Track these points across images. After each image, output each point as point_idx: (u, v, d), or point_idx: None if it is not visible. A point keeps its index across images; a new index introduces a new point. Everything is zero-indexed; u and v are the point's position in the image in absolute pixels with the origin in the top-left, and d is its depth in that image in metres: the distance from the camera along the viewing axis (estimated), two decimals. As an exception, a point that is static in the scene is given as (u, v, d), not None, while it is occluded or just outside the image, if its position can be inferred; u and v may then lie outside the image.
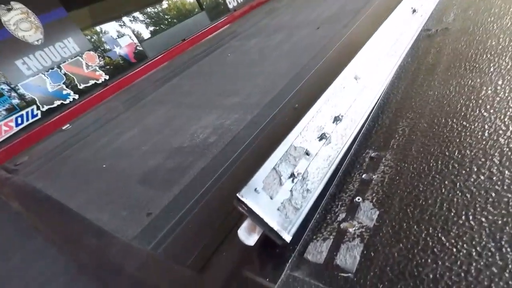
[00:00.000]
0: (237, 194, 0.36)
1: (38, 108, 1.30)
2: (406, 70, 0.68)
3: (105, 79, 1.53)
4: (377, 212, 0.38)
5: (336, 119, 0.50)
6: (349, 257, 0.35)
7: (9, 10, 1.17)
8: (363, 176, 0.44)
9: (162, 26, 1.99)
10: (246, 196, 0.36)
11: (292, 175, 0.41)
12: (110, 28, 1.60)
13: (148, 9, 1.96)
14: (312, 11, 1.83)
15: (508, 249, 0.29)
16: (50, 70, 1.32)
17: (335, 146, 0.47)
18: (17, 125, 1.24)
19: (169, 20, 2.07)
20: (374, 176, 0.44)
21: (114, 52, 1.58)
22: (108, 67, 1.55)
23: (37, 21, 1.27)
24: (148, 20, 1.93)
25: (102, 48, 1.54)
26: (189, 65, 1.65)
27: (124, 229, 0.61)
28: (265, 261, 0.38)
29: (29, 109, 1.26)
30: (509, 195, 0.34)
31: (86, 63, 1.45)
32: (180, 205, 0.60)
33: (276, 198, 0.39)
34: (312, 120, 0.47)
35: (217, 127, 0.87)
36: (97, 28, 1.55)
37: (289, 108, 0.80)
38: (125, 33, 1.66)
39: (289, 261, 0.37)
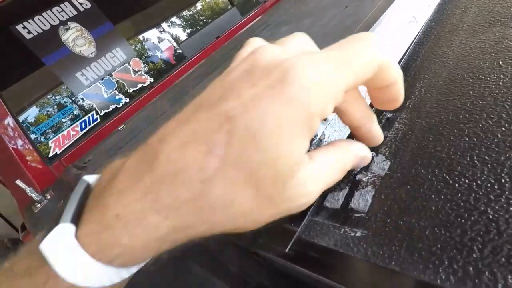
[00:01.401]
0: (262, 155, 0.43)
1: (97, 113, 1.48)
2: (429, 35, 0.69)
3: (150, 82, 1.69)
4: (389, 163, 0.42)
5: (352, 87, 0.53)
6: (362, 201, 0.39)
7: (67, 29, 1.36)
8: (379, 134, 0.48)
9: (197, 26, 2.11)
10: (270, 156, 0.43)
11: (312, 139, 0.46)
12: (150, 35, 1.76)
13: (183, 13, 2.09)
14: (339, -9, 1.81)
15: (507, 179, 0.32)
16: (104, 78, 1.50)
17: (351, 111, 0.51)
18: (81, 129, 1.43)
19: (203, 20, 2.18)
20: (388, 134, 0.47)
21: (156, 57, 1.73)
22: (152, 71, 1.71)
23: (90, 36, 1.45)
24: (184, 23, 2.06)
25: (145, 54, 1.70)
26: (224, 60, 1.75)
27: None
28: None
29: (90, 114, 1.45)
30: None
31: (133, 69, 1.62)
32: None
33: (296, 157, 0.44)
34: (328, 89, 0.51)
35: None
36: (140, 37, 1.71)
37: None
38: (164, 38, 1.81)
39: (311, 209, 0.42)
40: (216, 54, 1.99)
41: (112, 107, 1.58)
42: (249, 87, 0.20)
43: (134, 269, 0.24)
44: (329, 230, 0.38)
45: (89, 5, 1.56)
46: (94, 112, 1.50)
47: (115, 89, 1.59)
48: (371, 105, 0.51)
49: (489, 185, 0.33)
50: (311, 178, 0.25)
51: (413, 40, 0.66)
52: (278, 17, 2.06)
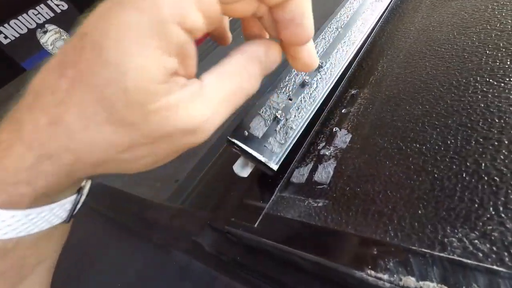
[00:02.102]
0: (228, 137, 0.44)
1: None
2: (394, 13, 0.70)
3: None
4: (350, 136, 0.44)
5: (319, 67, 0.55)
6: (324, 173, 0.41)
7: (45, 32, 1.35)
8: (343, 110, 0.50)
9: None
10: (236, 138, 0.44)
11: (276, 118, 0.48)
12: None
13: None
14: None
15: (453, 141, 0.34)
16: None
17: (317, 91, 0.53)
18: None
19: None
20: (351, 109, 0.49)
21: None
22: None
23: (68, 38, 1.44)
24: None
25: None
26: (203, 57, 1.75)
27: (159, 195, 0.73)
28: (260, 189, 0.46)
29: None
30: (463, 99, 0.38)
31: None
32: (200, 169, 0.70)
33: (263, 137, 0.46)
34: (294, 70, 0.53)
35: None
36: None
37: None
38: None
39: (278, 185, 0.44)
40: (203, 44, 1.99)
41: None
42: (105, 2, 0.18)
43: (33, 215, 0.21)
44: (295, 203, 0.40)
45: (66, 6, 1.54)
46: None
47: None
48: (337, 84, 0.52)
49: (436, 147, 0.34)
50: (195, 104, 0.20)
51: (379, 19, 0.68)
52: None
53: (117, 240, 0.67)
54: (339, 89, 0.56)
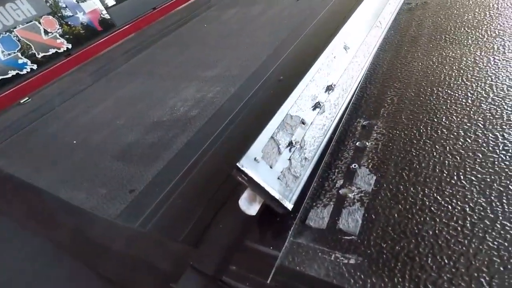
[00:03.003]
0: (237, 164, 0.35)
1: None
2: (390, 42, 0.69)
3: (67, 48, 1.40)
4: (374, 177, 0.39)
5: (329, 89, 0.49)
6: (351, 221, 0.35)
7: None
8: (357, 143, 0.45)
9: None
10: (246, 166, 0.36)
11: (290, 144, 0.40)
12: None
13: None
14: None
15: (498, 203, 0.32)
16: (1, 35, 1.18)
17: (328, 115, 0.47)
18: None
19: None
20: (367, 144, 0.45)
21: (76, 18, 1.44)
22: (70, 34, 1.42)
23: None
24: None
25: (62, 13, 1.40)
26: (163, 35, 1.55)
27: (104, 207, 0.58)
28: (266, 230, 0.38)
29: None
30: (495, 155, 0.36)
31: (44, 29, 1.31)
32: (166, 180, 0.58)
33: (276, 167, 0.38)
34: (306, 88, 0.46)
35: (198, 100, 0.84)
36: (55, -9, 1.40)
37: (274, 81, 0.78)
38: (87, -2, 1.51)
39: (291, 228, 0.37)
40: (151, 29, 1.77)
41: (11, 72, 1.25)
42: None
43: None
44: (317, 255, 0.34)
45: None
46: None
47: (18, 51, 1.26)
48: (343, 115, 0.47)
49: (481, 208, 0.32)
50: None
51: (375, 45, 0.66)
52: (222, -1, 1.93)
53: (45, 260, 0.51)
54: (345, 116, 0.51)
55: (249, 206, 0.36)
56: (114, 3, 1.70)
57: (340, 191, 0.39)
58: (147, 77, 1.15)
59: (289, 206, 0.37)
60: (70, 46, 1.43)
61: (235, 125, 0.67)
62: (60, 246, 0.52)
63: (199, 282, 0.36)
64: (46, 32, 1.34)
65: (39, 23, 1.32)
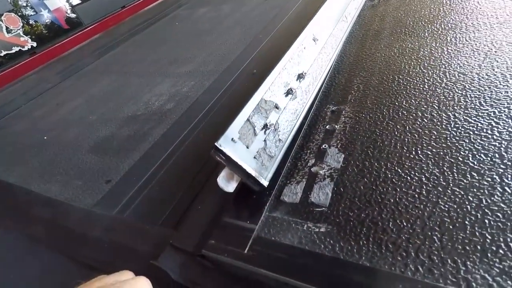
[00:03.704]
0: (215, 143, 0.37)
1: None
2: (356, 36, 0.73)
3: (32, 46, 1.34)
4: (343, 155, 0.42)
5: (300, 76, 0.52)
6: (322, 194, 0.38)
7: None
8: (327, 127, 0.48)
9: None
10: (224, 145, 0.37)
11: (265, 126, 0.43)
12: (33, -14, 1.39)
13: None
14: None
15: (449, 173, 0.36)
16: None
17: (300, 101, 0.50)
18: None
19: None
20: (336, 126, 0.48)
21: (41, 16, 1.39)
22: (35, 32, 1.36)
23: None
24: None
25: (25, 10, 1.34)
26: (134, 34, 1.53)
27: (81, 198, 0.57)
28: (243, 207, 0.40)
29: None
30: (447, 132, 0.40)
31: (6, 26, 1.25)
32: (143, 170, 0.58)
33: (252, 147, 0.40)
34: (279, 76, 0.49)
35: (173, 94, 0.84)
36: (17, -14, 1.34)
37: (247, 74, 0.81)
38: (52, -5, 1.46)
39: (267, 204, 0.39)
40: (122, 26, 1.73)
41: (-30, 72, 1.19)
42: None
43: None
44: (291, 226, 0.36)
45: None
46: None
47: (-23, 49, 1.19)
48: (316, 95, 0.50)
49: (435, 178, 0.36)
50: None
51: (342, 38, 0.70)
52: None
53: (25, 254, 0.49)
54: (315, 103, 0.54)
55: (227, 184, 0.38)
56: (80, 1, 1.65)
57: (311, 169, 0.42)
58: (119, 75, 1.13)
59: (265, 183, 0.39)
60: (35, 44, 1.38)
61: (211, 116, 0.68)
62: (34, 238, 0.51)
63: (179, 257, 0.38)
64: (8, 30, 1.28)
65: (1, 20, 1.26)
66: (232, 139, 0.39)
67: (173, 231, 0.42)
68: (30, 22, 1.35)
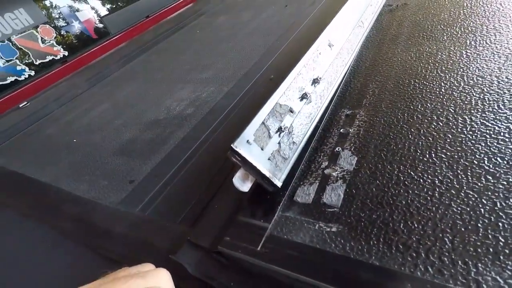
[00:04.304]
0: (231, 145, 0.39)
1: (-12, 84, 1.19)
2: (373, 41, 0.74)
3: (64, 55, 1.43)
4: (356, 158, 0.43)
5: (315, 81, 0.53)
6: (334, 195, 0.39)
7: None
8: (341, 130, 0.49)
9: (123, 1, 1.88)
10: (240, 147, 0.39)
11: (279, 129, 0.44)
12: (67, 1, 1.49)
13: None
14: (278, -11, 1.84)
15: (463, 175, 0.35)
16: (1, 43, 1.21)
17: (315, 105, 0.51)
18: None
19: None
20: (350, 130, 0.48)
21: (72, 27, 1.48)
22: (66, 42, 1.45)
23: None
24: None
25: (58, 22, 1.44)
26: (157, 42, 1.60)
27: (106, 196, 0.61)
28: (258, 207, 0.42)
29: (-23, 85, 1.15)
30: (462, 136, 0.40)
31: (42, 37, 1.35)
32: (164, 171, 0.61)
33: (266, 149, 0.42)
34: (294, 81, 0.50)
35: (193, 100, 0.88)
36: (53, 0, 1.44)
37: (265, 79, 0.83)
38: (83, 8, 1.55)
39: (281, 204, 0.40)
40: (146, 35, 1.81)
41: (10, 79, 1.28)
42: None
43: None
44: (303, 225, 0.37)
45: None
46: (-17, 83, 1.20)
47: (16, 58, 1.29)
48: (331, 99, 0.51)
49: (448, 180, 0.36)
50: None
51: (358, 43, 0.70)
52: (214, 5, 1.98)
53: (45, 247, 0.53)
54: (331, 107, 0.55)
55: (242, 184, 0.40)
56: (108, 12, 1.74)
57: (325, 171, 0.43)
58: (143, 82, 1.18)
59: (279, 184, 0.41)
60: (66, 53, 1.47)
61: (229, 120, 0.70)
62: (63, 233, 0.55)
63: (196, 252, 0.40)
64: (43, 40, 1.37)
65: (37, 31, 1.35)
66: (248, 141, 0.40)
67: (191, 229, 0.44)
68: (62, 33, 1.44)
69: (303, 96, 0.50)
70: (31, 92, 1.28)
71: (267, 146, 0.42)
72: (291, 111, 0.47)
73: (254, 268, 0.36)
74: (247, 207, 0.42)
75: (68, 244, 0.53)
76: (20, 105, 1.23)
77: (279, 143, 0.43)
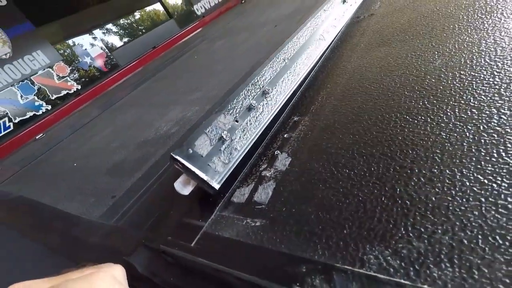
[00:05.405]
0: (171, 153, 0.44)
1: (10, 120, 1.34)
2: (335, 51, 0.78)
3: (77, 88, 1.58)
4: (290, 159, 0.47)
5: (265, 93, 0.58)
6: (264, 194, 0.43)
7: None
8: (285, 135, 0.53)
9: (133, 35, 2.04)
10: (180, 155, 0.44)
11: (221, 138, 0.49)
12: (80, 40, 1.66)
13: (120, 21, 2.02)
14: (273, 11, 1.93)
15: (375, 168, 0.38)
16: (21, 82, 1.37)
17: (262, 115, 0.55)
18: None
19: (140, 29, 2.13)
20: (292, 134, 0.52)
21: (85, 63, 1.64)
22: (79, 77, 1.61)
23: (4, 35, 1.32)
24: (119, 30, 1.98)
25: (72, 59, 1.60)
26: (160, 70, 1.72)
27: (91, 211, 0.67)
28: (200, 208, 0.46)
29: (1, 121, 1.30)
30: (389, 131, 0.43)
31: (57, 74, 1.50)
32: (140, 186, 0.67)
33: (207, 156, 0.46)
34: (243, 93, 0.55)
35: (179, 119, 0.95)
36: (69, 41, 1.61)
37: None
38: (95, 44, 1.72)
39: (219, 205, 0.44)
40: (152, 64, 1.95)
41: (29, 114, 1.43)
42: None
43: None
44: (233, 222, 0.41)
45: (4, 2, 1.42)
46: (6, 118, 1.35)
47: (34, 95, 1.45)
48: (281, 110, 0.55)
49: (362, 173, 0.38)
50: None
51: (322, 55, 0.75)
52: (215, 31, 2.11)
53: (37, 260, 0.60)
54: (283, 115, 0.59)
55: (182, 188, 0.44)
56: (120, 45, 1.91)
57: (262, 173, 0.47)
58: (142, 106, 1.28)
59: (216, 186, 0.45)
60: (79, 87, 1.61)
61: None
62: (49, 246, 0.61)
63: (146, 253, 0.44)
64: (58, 77, 1.53)
65: (52, 69, 1.51)
66: (188, 149, 0.45)
67: (150, 233, 0.49)
68: (75, 68, 1.59)
69: (250, 107, 0.54)
70: (47, 124, 1.41)
71: (208, 153, 0.47)
72: (236, 120, 0.52)
73: (189, 263, 0.40)
74: (193, 209, 0.46)
75: (52, 256, 0.60)
76: (37, 137, 1.36)
77: (220, 150, 0.48)
